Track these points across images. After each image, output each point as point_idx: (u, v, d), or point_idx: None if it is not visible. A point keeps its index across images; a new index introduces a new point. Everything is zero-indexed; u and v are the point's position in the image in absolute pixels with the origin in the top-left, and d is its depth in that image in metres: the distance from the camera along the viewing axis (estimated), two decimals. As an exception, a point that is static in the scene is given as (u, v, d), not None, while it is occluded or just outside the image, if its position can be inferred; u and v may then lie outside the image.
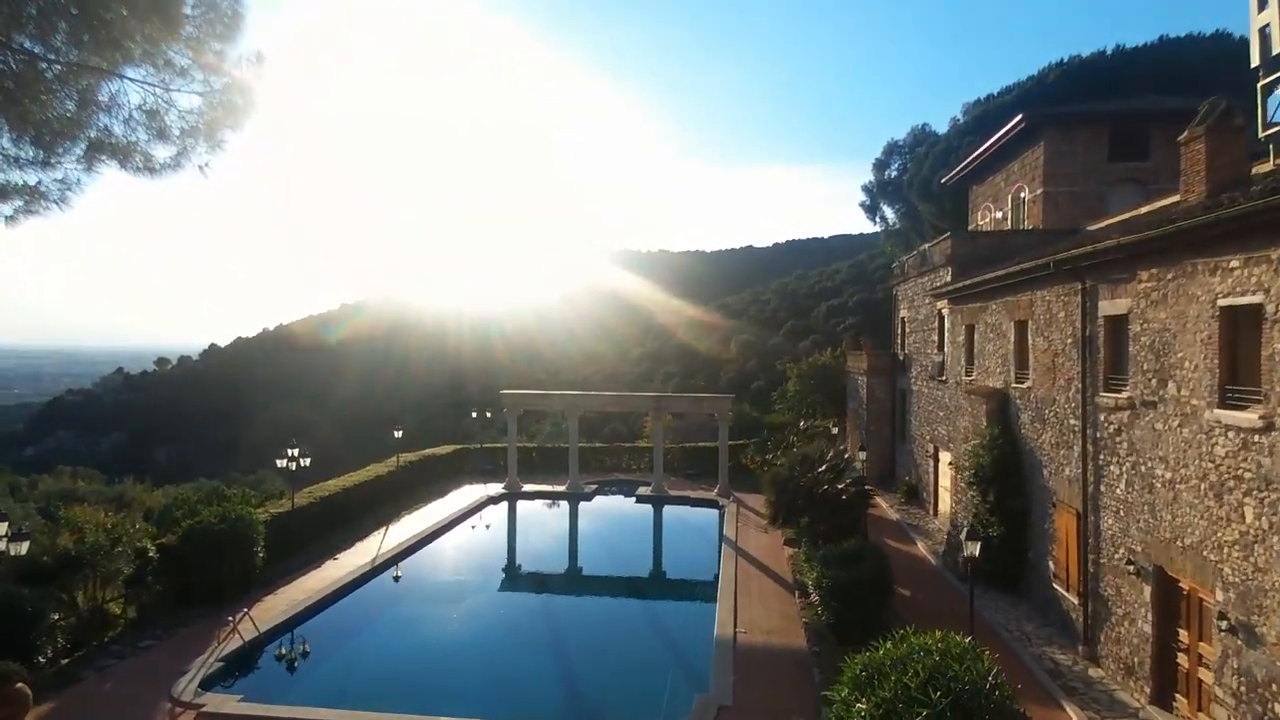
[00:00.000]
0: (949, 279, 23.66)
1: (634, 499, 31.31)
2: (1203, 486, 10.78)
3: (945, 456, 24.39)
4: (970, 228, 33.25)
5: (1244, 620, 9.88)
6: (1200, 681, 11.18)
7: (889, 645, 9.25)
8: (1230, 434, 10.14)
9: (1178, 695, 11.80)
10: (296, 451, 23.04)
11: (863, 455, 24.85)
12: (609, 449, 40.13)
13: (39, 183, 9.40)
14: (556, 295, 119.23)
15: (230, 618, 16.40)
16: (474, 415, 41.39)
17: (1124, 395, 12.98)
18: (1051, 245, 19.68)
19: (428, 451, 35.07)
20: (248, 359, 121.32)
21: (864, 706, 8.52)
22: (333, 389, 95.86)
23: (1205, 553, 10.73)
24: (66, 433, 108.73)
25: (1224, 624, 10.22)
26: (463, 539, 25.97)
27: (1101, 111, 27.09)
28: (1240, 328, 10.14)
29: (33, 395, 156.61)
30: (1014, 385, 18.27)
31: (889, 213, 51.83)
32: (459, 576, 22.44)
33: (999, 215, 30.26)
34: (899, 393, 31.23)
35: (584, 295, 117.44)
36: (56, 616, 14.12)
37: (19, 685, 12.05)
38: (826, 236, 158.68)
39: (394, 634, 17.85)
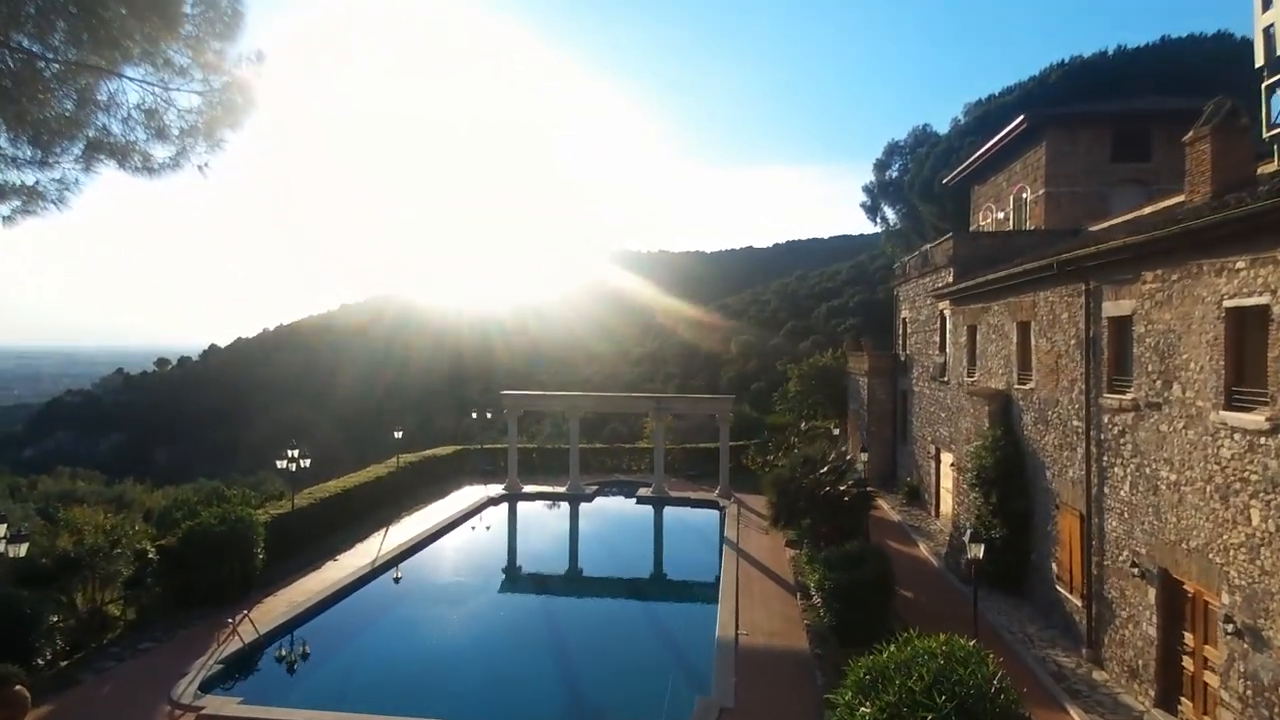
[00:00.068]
0: (951, 280, 23.60)
1: (634, 500, 31.25)
2: (1208, 489, 10.71)
3: (947, 458, 24.32)
4: (972, 228, 33.20)
5: (1250, 623, 9.81)
6: (1206, 685, 11.11)
7: (893, 648, 9.18)
8: (1236, 436, 10.07)
9: (1183, 699, 11.73)
10: (296, 453, 22.98)
11: (864, 456, 24.79)
12: (609, 450, 40.07)
13: (37, 183, 9.35)
14: (557, 295, 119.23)
15: (230, 619, 16.35)
16: (474, 416, 41.35)
17: (1128, 397, 12.92)
18: (1054, 246, 19.64)
19: (428, 452, 35.01)
20: (248, 359, 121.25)
21: (868, 710, 8.46)
22: (333, 389, 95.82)
23: (1211, 555, 10.67)
24: (66, 433, 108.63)
25: (1230, 627, 10.15)
26: (463, 540, 25.91)
27: (1104, 112, 27.04)
28: (1246, 329, 10.08)
29: (32, 396, 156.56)
30: (1017, 386, 18.21)
31: (890, 213, 51.79)
32: (459, 578, 22.38)
33: (1001, 216, 30.20)
34: (900, 394, 31.16)
35: (584, 295, 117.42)
36: (55, 618, 14.05)
37: (17, 688, 11.92)
38: (826, 237, 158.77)
39: (394, 635, 17.78)
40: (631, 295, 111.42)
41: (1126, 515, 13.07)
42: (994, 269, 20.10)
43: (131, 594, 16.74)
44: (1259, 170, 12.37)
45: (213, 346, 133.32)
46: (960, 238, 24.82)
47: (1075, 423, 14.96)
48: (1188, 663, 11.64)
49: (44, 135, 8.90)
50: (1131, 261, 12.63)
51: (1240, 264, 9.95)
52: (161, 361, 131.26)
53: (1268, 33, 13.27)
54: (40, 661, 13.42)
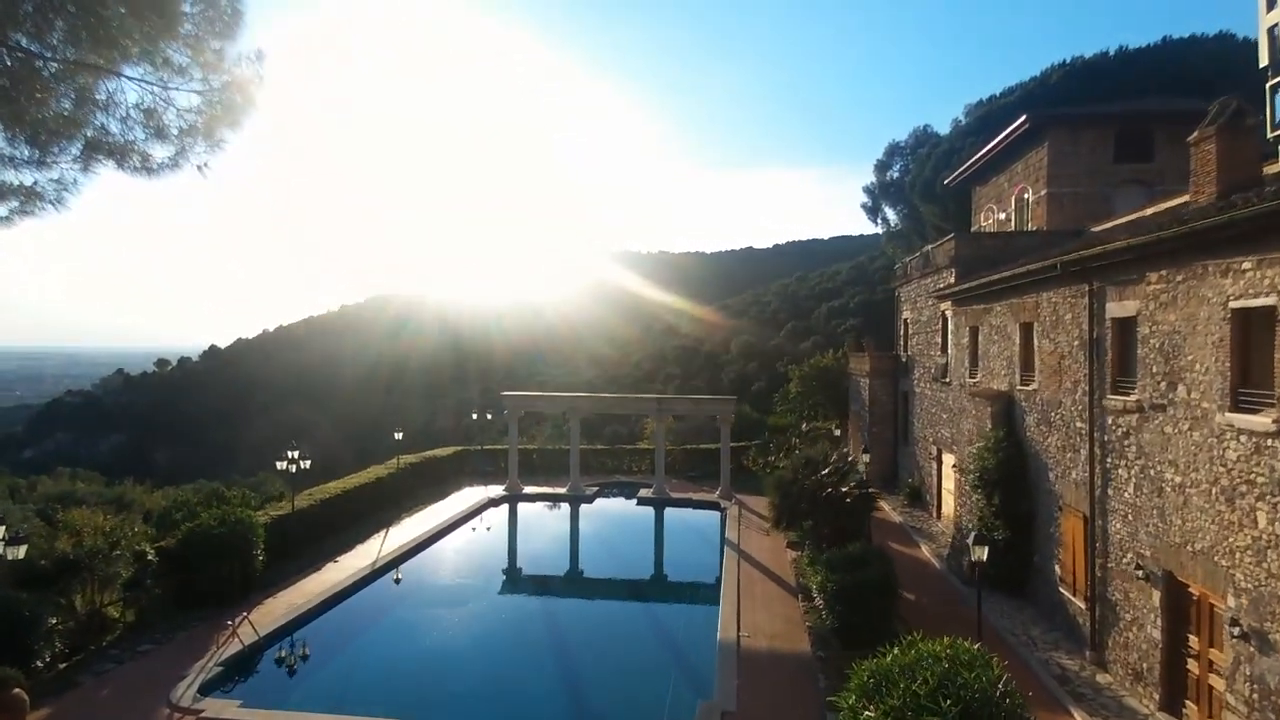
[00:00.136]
0: (953, 280, 23.53)
1: (635, 501, 31.18)
2: (1214, 491, 10.64)
3: (949, 459, 24.24)
4: (973, 229, 33.13)
5: (1257, 626, 9.74)
6: (1211, 688, 11.04)
7: (896, 652, 9.11)
8: (1242, 438, 10.00)
9: (1188, 702, 11.66)
10: (296, 454, 22.91)
11: (866, 458, 24.70)
12: (610, 451, 40.01)
13: (35, 183, 9.28)
14: (557, 296, 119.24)
15: (230, 621, 16.29)
16: (474, 417, 41.28)
17: (1132, 398, 12.85)
18: (1056, 246, 19.57)
19: (428, 453, 34.94)
20: (248, 360, 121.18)
21: (872, 714, 8.39)
22: (333, 390, 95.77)
23: (1216, 558, 10.60)
24: (66, 434, 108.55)
25: (1236, 630, 10.08)
26: (463, 541, 25.85)
27: (1106, 112, 26.97)
28: (1253, 330, 10.01)
29: (32, 396, 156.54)
30: (1019, 388, 18.14)
31: (891, 214, 51.68)
32: (460, 579, 22.31)
33: (1002, 216, 30.14)
34: (901, 394, 31.09)
35: (585, 296, 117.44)
36: (54, 621, 13.98)
37: (16, 691, 11.87)
38: (827, 238, 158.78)
39: (394, 637, 17.73)
40: (632, 296, 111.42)
41: (1130, 517, 13.00)
42: (996, 270, 20.03)
43: (131, 596, 16.67)
44: (1265, 170, 12.30)
45: (213, 347, 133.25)
46: (962, 238, 24.74)
47: (1079, 424, 14.89)
48: (1193, 666, 11.57)
49: (42, 135, 8.84)
50: (1136, 262, 12.56)
51: (1247, 265, 9.89)
52: (162, 362, 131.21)
53: (1272, 33, 13.23)
54: (39, 664, 13.33)
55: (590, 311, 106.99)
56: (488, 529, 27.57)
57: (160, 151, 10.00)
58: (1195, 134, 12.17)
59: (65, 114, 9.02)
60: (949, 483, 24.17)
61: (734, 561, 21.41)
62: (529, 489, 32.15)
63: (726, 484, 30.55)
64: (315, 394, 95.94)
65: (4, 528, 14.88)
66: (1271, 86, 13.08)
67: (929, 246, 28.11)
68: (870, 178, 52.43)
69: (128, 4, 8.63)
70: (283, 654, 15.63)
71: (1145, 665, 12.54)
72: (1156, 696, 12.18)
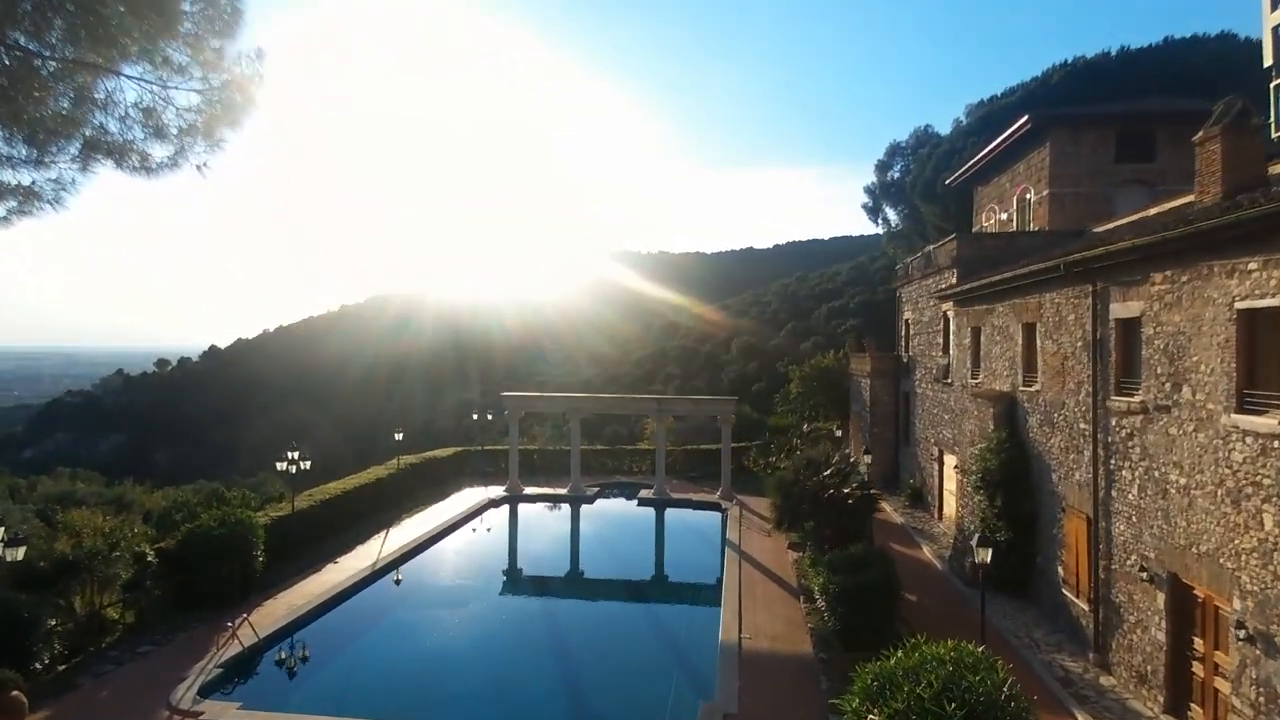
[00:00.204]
0: (954, 281, 23.48)
1: (636, 502, 31.12)
2: (1219, 493, 10.58)
3: (950, 460, 24.19)
4: (974, 229, 33.07)
5: (1263, 629, 9.68)
6: (1216, 691, 10.98)
7: (900, 654, 9.05)
8: (1248, 439, 9.94)
9: (1193, 705, 11.60)
10: (296, 455, 22.85)
11: (867, 459, 24.63)
12: (610, 451, 39.94)
13: (33, 183, 9.22)
14: (557, 296, 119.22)
15: (229, 623, 16.22)
16: (475, 417, 41.24)
17: (1136, 399, 12.79)
18: (1058, 247, 19.52)
19: (429, 454, 34.86)
20: (248, 360, 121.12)
21: (876, 718, 8.33)
22: (333, 390, 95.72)
23: (1222, 560, 10.54)
24: (66, 434, 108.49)
25: (1242, 633, 10.02)
26: (464, 542, 25.79)
27: (1108, 112, 26.91)
28: (1259, 331, 9.95)
29: (32, 397, 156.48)
30: (1022, 388, 18.08)
31: (891, 214, 51.60)
32: (460, 580, 22.26)
33: (1004, 217, 30.08)
34: (903, 395, 31.03)
35: (585, 296, 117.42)
36: (54, 622, 13.92)
37: (15, 693, 11.80)
38: (827, 238, 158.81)
39: (395, 639, 17.67)
40: (632, 295, 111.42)
41: (1134, 519, 12.94)
42: (998, 270, 19.97)
43: (130, 597, 16.61)
44: (1270, 170, 12.24)
45: (213, 347, 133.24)
46: (964, 239, 24.68)
47: (1082, 425, 14.83)
48: (1198, 668, 11.51)
49: (40, 134, 8.77)
50: (1140, 263, 12.50)
51: (1253, 265, 9.83)
52: (161, 362, 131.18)
53: (1277, 32, 13.18)
54: (38, 666, 13.27)
55: (590, 311, 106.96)
56: (488, 530, 27.51)
57: (159, 151, 9.96)
58: (1200, 134, 12.10)
59: (64, 113, 8.96)
60: (950, 484, 24.11)
61: (735, 562, 21.35)
62: (529, 490, 32.08)
63: (727, 485, 30.48)
64: (315, 394, 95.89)
65: (3, 529, 14.82)
66: (1276, 86, 13.04)
67: (931, 247, 28.06)
68: (871, 177, 52.41)
69: (127, 2, 8.58)
70: (283, 656, 15.57)
71: (1149, 668, 12.48)
72: (1161, 699, 12.12)
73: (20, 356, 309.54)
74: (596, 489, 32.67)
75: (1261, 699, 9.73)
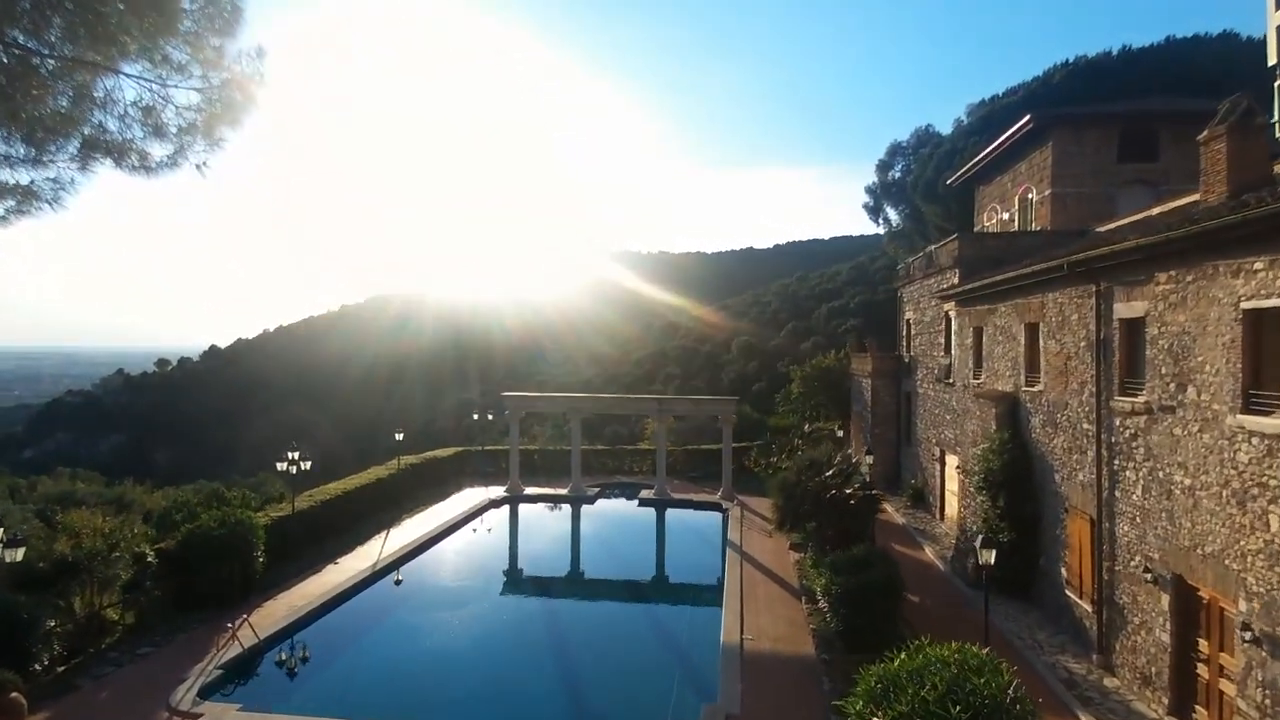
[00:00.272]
0: (956, 281, 23.41)
1: (636, 502, 31.07)
2: (1224, 494, 10.52)
3: (952, 460, 24.13)
4: (976, 229, 33.00)
5: (1269, 631, 9.62)
6: (1222, 693, 10.92)
7: (904, 656, 8.99)
8: (1254, 440, 9.88)
9: (1198, 707, 11.54)
10: (296, 455, 22.80)
11: (869, 459, 24.58)
12: (611, 451, 39.88)
13: (31, 182, 9.16)
14: (558, 296, 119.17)
15: (229, 624, 16.16)
16: (475, 417, 41.20)
17: (1140, 399, 12.73)
18: (1061, 247, 19.46)
19: (429, 454, 34.81)
20: (248, 360, 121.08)
21: (880, 720, 8.28)
22: (333, 390, 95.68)
23: (1227, 561, 10.48)
24: (66, 434, 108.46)
25: (1248, 634, 9.96)
26: (464, 542, 25.74)
27: (1111, 112, 26.85)
28: (1265, 331, 9.89)
29: (32, 396, 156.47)
30: (1024, 389, 18.02)
31: (892, 214, 51.55)
32: (460, 581, 22.20)
33: (1006, 216, 30.02)
34: (904, 395, 30.98)
35: (585, 296, 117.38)
36: (53, 623, 13.87)
37: (14, 695, 11.74)
38: (827, 238, 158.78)
39: (395, 640, 17.61)
40: (632, 295, 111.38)
41: (1139, 520, 12.88)
42: (1000, 270, 19.91)
43: (130, 598, 16.56)
44: (1276, 169, 12.17)
45: (213, 347, 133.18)
46: (966, 238, 24.62)
47: (1085, 425, 14.77)
48: (1203, 670, 11.45)
49: (38, 133, 8.71)
50: (1144, 262, 12.44)
51: (1259, 265, 9.77)
52: (162, 362, 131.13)
53: (1281, 31, 13.09)
54: (38, 667, 13.23)
55: (590, 311, 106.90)
56: (489, 530, 27.46)
57: (159, 150, 9.90)
58: (1205, 133, 12.04)
59: (62, 112, 8.90)
60: (952, 484, 24.05)
61: (736, 563, 21.29)
62: (530, 490, 32.03)
63: (728, 485, 30.43)
64: (315, 394, 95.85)
65: (2, 529, 14.77)
66: (1280, 85, 12.96)
67: (932, 247, 28.00)
68: (872, 177, 52.35)
69: (126, 0, 8.52)
70: (283, 657, 15.52)
71: (1154, 669, 12.43)
72: (1165, 701, 12.06)
73: (20, 356, 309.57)
74: (597, 489, 32.61)
75: (1267, 701, 9.67)
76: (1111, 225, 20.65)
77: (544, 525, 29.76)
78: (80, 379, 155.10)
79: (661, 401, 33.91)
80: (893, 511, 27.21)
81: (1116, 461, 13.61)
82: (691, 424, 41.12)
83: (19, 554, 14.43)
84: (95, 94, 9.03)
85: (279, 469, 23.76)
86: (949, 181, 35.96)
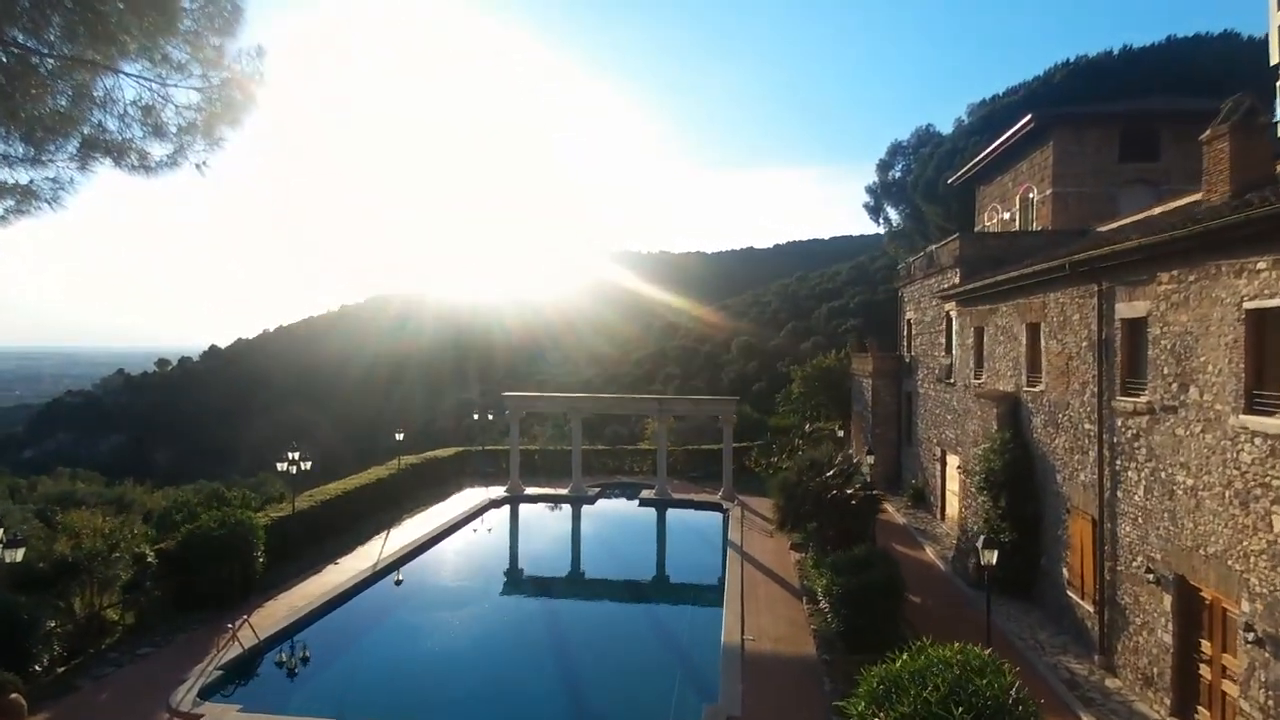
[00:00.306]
0: (957, 280, 23.38)
1: (637, 502, 31.05)
2: (1227, 494, 10.49)
3: (953, 460, 24.11)
4: (977, 229, 32.97)
5: (1272, 632, 9.59)
6: (1224, 694, 10.89)
7: (906, 658, 8.96)
8: (1257, 440, 9.85)
9: (1200, 708, 11.51)
10: (297, 455, 22.77)
11: (870, 459, 24.56)
12: (611, 451, 39.85)
13: (31, 182, 9.13)
14: (558, 296, 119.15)
15: (230, 624, 16.14)
16: (475, 417, 41.16)
17: (1143, 399, 12.70)
18: (1062, 246, 19.43)
19: (429, 454, 34.78)
20: (248, 360, 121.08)
21: (882, 722, 8.24)
22: (334, 390, 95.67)
23: (1230, 562, 10.45)
24: (66, 434, 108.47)
25: (1250, 635, 9.93)
26: (464, 543, 25.72)
27: (1112, 111, 26.81)
28: (1268, 331, 9.86)
29: (32, 396, 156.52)
30: (1026, 389, 17.99)
31: (893, 214, 51.50)
32: (461, 581, 22.17)
33: (1007, 216, 29.99)
34: (905, 395, 30.95)
35: (585, 296, 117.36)
36: (53, 624, 13.84)
37: (13, 696, 11.71)
38: (827, 238, 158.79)
39: (395, 640, 17.59)
40: (632, 295, 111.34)
41: (1141, 520, 12.85)
42: (1001, 270, 19.89)
43: (130, 598, 16.53)
44: (1279, 169, 12.14)
45: (213, 347, 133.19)
46: (967, 238, 24.59)
47: (1087, 425, 14.74)
48: (1205, 671, 11.42)
49: (38, 132, 8.68)
50: (1146, 262, 12.42)
51: (1262, 265, 9.73)
52: (162, 362, 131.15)
53: (1284, 30, 13.06)
54: (37, 668, 13.20)
55: (590, 311, 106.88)
56: (489, 530, 27.43)
57: (158, 149, 9.87)
58: (1208, 132, 12.01)
59: (62, 111, 8.87)
60: (953, 484, 24.03)
61: (737, 563, 21.27)
62: (530, 490, 32.01)
63: (729, 485, 30.40)
64: (316, 394, 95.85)
65: (2, 530, 14.75)
66: (1283, 84, 12.93)
67: (933, 246, 27.98)
68: (872, 177, 52.28)
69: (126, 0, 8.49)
70: (283, 657, 15.49)
71: (1156, 670, 12.40)
72: (1168, 702, 12.03)
73: (20, 356, 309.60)
74: (598, 489, 32.59)
75: (1271, 702, 9.64)
76: (1113, 225, 20.62)
77: (544, 525, 29.73)
78: (80, 379, 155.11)
79: (662, 401, 33.89)
80: (893, 511, 27.19)
81: (1118, 462, 13.58)
82: (691, 424, 41.10)
83: (19, 554, 14.41)
84: (95, 93, 9.00)
85: (279, 469, 23.74)
86: (950, 181, 35.93)
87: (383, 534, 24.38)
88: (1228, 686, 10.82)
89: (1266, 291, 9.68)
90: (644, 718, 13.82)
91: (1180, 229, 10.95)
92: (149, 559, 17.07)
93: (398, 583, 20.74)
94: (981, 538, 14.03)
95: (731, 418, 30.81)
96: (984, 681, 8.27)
